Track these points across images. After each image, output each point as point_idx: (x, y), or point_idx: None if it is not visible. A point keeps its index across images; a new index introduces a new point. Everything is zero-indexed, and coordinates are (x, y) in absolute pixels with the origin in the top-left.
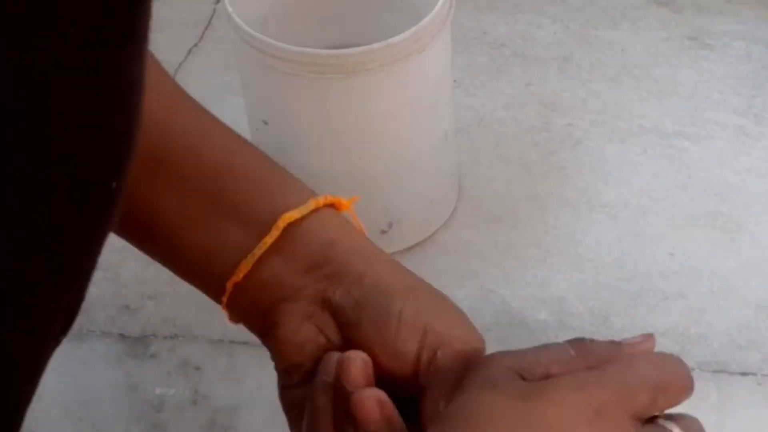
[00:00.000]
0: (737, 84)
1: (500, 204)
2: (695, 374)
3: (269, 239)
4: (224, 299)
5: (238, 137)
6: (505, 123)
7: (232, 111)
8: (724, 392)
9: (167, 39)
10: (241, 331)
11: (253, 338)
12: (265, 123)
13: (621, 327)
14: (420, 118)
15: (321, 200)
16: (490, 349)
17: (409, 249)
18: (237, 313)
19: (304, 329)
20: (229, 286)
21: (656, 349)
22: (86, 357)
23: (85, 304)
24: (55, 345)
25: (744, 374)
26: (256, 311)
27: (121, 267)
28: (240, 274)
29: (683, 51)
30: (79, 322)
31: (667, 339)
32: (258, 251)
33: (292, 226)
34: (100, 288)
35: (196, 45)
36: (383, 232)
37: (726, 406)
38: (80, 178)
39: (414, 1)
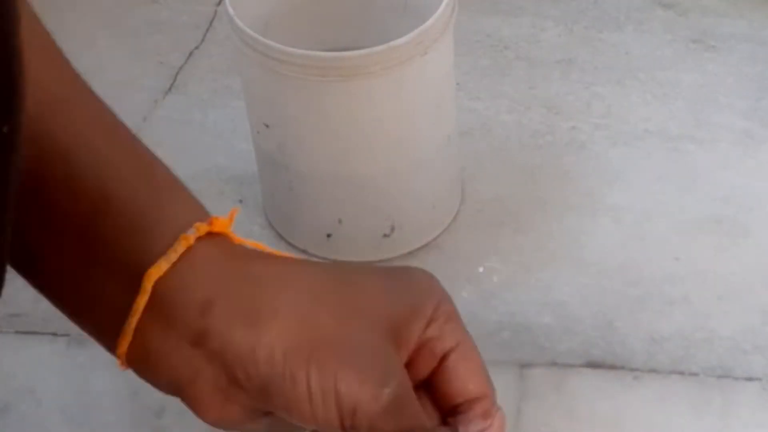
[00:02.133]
0: (743, 87)
1: (503, 208)
2: (700, 379)
3: (140, 304)
4: (123, 368)
5: (123, 143)
6: (508, 126)
7: (233, 114)
8: (728, 397)
9: (168, 41)
10: None
11: None
12: (267, 126)
13: (625, 332)
14: (422, 121)
15: (192, 237)
16: (496, 353)
17: (411, 253)
18: (147, 382)
19: (233, 411)
20: (119, 355)
21: (661, 356)
22: (86, 362)
23: None
24: None
25: (749, 379)
26: (163, 386)
27: None
28: (123, 346)
29: (688, 54)
30: None
31: (671, 344)
32: (133, 320)
33: (161, 281)
34: None
35: (197, 47)
36: (385, 236)
37: (730, 411)
38: None
39: (416, 4)
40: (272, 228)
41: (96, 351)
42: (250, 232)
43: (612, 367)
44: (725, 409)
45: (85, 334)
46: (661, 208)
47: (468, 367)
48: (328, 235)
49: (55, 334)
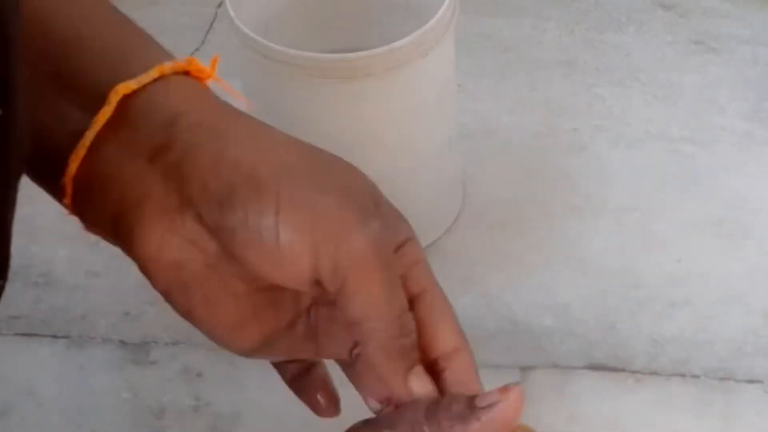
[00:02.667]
0: (744, 88)
1: (505, 210)
2: (701, 382)
3: (101, 117)
4: (66, 201)
5: (104, 6)
6: (509, 128)
7: None
8: (730, 400)
9: (169, 42)
10: None
11: None
12: None
13: (627, 334)
14: (423, 123)
15: (168, 66)
16: (496, 355)
17: None
18: (86, 220)
19: (171, 245)
20: (66, 181)
21: (662, 358)
22: (86, 364)
23: (86, 311)
24: None
25: (750, 382)
26: (106, 216)
27: (121, 273)
28: (73, 165)
29: (689, 55)
30: (79, 328)
31: (673, 346)
32: (90, 134)
33: (128, 100)
34: (100, 294)
35: (198, 49)
36: None
37: (732, 414)
38: None
39: (417, 6)
40: None
41: (95, 352)
42: None
43: (613, 369)
44: (727, 412)
45: (85, 336)
46: (663, 209)
47: (439, 317)
48: None
49: (55, 336)
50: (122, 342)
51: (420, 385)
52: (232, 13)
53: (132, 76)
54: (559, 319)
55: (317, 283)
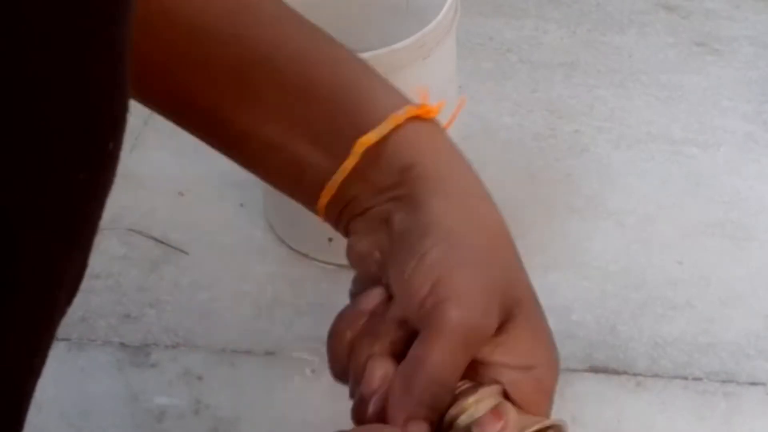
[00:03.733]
0: (746, 90)
1: (506, 211)
2: (703, 384)
3: (348, 165)
4: (319, 217)
5: (315, 35)
6: (511, 129)
7: None
8: (732, 402)
9: None
10: (242, 341)
11: (256, 348)
12: None
13: (628, 336)
14: None
15: (402, 115)
16: None
17: None
18: (327, 221)
19: (365, 242)
20: (319, 208)
21: (664, 360)
22: (86, 366)
23: (86, 313)
24: (60, 316)
25: (753, 384)
26: (341, 223)
27: (121, 275)
28: (324, 199)
29: (691, 57)
30: (80, 330)
31: (674, 349)
32: (339, 176)
33: (370, 149)
34: (100, 296)
35: None
36: None
37: (734, 416)
38: (81, 141)
39: (418, 7)
40: (273, 232)
41: (96, 354)
42: (251, 236)
43: (615, 372)
44: (729, 414)
45: (85, 339)
46: (664, 211)
47: None
48: (330, 240)
49: (55, 339)
50: (122, 344)
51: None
52: None
53: (371, 126)
54: (560, 322)
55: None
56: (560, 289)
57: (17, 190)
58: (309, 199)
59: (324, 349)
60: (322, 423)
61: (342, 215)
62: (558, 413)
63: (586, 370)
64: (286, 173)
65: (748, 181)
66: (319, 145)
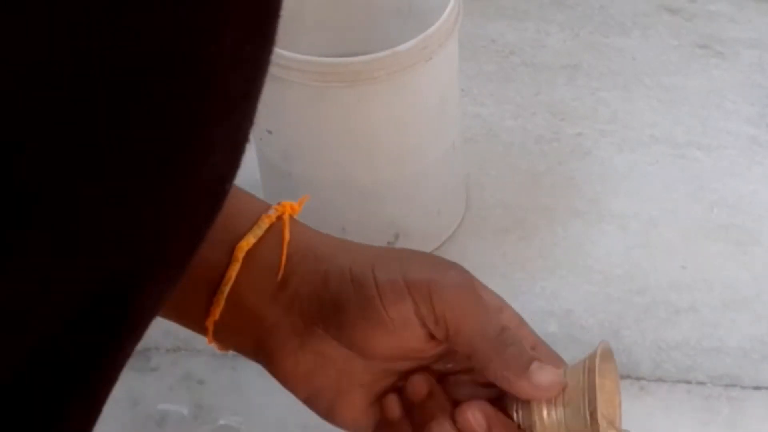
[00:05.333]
0: (750, 93)
1: (508, 215)
2: (707, 388)
3: (232, 273)
4: (208, 338)
5: None
6: (513, 132)
7: None
8: (736, 406)
9: None
10: None
11: None
12: (270, 132)
13: (631, 340)
14: (427, 127)
15: (273, 215)
16: None
17: None
18: (226, 348)
19: (305, 360)
20: (208, 325)
21: (667, 364)
22: None
23: None
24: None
25: (757, 388)
26: (246, 345)
27: None
28: (214, 317)
29: (694, 59)
30: None
31: (678, 353)
32: (226, 288)
33: (250, 253)
34: None
35: None
36: (389, 243)
37: (738, 420)
38: (215, 186)
39: (421, 9)
40: None
41: None
42: None
43: (619, 375)
44: (733, 419)
45: None
46: (668, 215)
47: None
48: None
49: None
50: None
51: (542, 375)
52: None
53: (247, 230)
54: (563, 326)
55: (432, 336)
56: (563, 292)
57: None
58: (197, 321)
59: None
60: (323, 428)
61: (243, 334)
62: None
63: None
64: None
65: (752, 184)
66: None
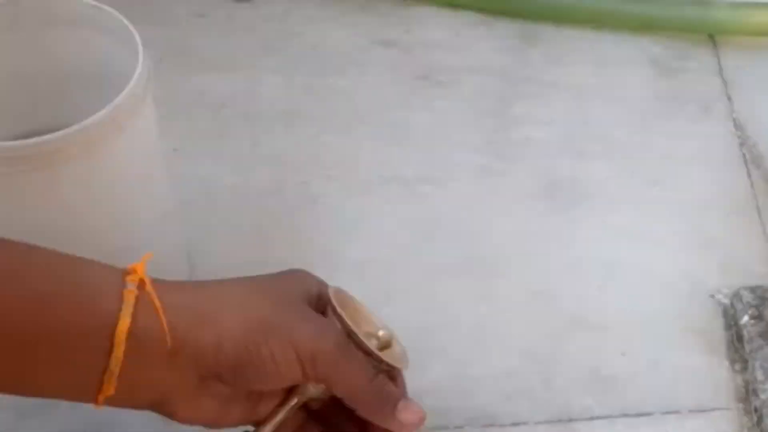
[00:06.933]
0: (475, 121)
1: (237, 275)
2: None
3: (119, 354)
4: (95, 406)
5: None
6: (235, 189)
7: None
8: None
9: None
10: None
11: None
12: None
13: None
14: (133, 200)
15: (134, 288)
16: None
17: None
18: (117, 406)
19: (203, 404)
20: (100, 401)
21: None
22: None
23: None
24: None
25: (515, 425)
26: (141, 405)
27: None
28: (107, 394)
29: (415, 92)
30: None
31: (431, 398)
32: (116, 369)
33: (131, 332)
34: None
35: None
36: None
37: None
38: None
39: (112, 76)
40: None
41: None
42: None
43: None
44: None
45: None
46: (406, 256)
47: None
48: None
49: None
50: None
51: (408, 414)
52: None
53: (116, 309)
54: None
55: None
56: None
57: None
58: (85, 397)
59: None
60: None
61: (138, 402)
62: None
63: None
64: (55, 383)
65: (487, 213)
66: (78, 347)
